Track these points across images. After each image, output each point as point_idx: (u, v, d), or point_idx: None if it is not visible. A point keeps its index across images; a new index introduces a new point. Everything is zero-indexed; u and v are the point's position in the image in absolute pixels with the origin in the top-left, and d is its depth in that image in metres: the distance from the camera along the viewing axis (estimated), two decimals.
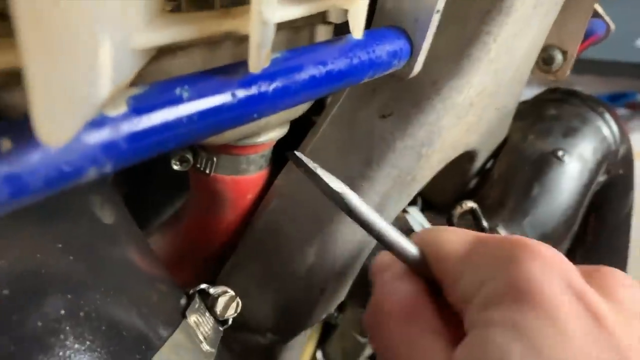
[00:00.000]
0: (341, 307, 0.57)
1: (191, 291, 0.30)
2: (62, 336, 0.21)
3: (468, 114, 0.37)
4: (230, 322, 0.31)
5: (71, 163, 0.16)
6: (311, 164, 0.27)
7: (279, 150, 0.39)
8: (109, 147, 0.17)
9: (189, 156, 0.35)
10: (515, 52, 0.38)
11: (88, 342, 0.22)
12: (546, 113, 0.54)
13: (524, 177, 0.50)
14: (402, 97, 0.34)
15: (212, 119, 0.20)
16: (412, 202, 0.54)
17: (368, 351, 0.77)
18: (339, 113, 0.36)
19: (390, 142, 0.34)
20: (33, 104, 0.13)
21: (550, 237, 0.50)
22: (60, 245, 0.23)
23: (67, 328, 0.22)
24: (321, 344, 0.75)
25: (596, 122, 0.54)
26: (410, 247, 0.28)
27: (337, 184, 0.27)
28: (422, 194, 0.54)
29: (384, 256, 0.31)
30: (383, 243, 0.27)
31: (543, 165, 0.50)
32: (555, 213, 0.50)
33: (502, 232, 0.48)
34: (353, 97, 0.35)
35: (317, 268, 0.38)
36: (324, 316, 0.42)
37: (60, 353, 0.21)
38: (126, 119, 0.17)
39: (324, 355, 0.76)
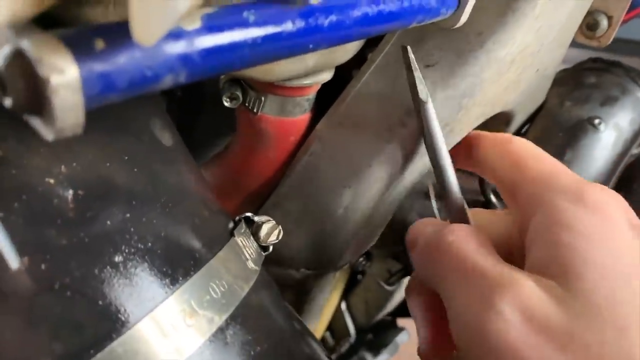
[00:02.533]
0: (368, 256, 0.59)
1: (237, 218, 0.33)
2: (127, 236, 0.24)
3: (509, 71, 0.38)
4: (270, 249, 0.33)
5: (152, 68, 0.18)
6: (414, 64, 0.32)
7: (320, 97, 0.41)
8: (184, 58, 0.19)
9: (239, 94, 0.37)
10: (560, 12, 0.38)
11: (149, 244, 0.24)
12: (586, 81, 0.54)
13: (558, 142, 0.51)
14: (446, 47, 0.35)
15: (273, 44, 0.22)
16: None
17: (391, 305, 0.79)
18: (383, 62, 0.37)
19: (432, 91, 0.35)
20: (132, 6, 0.15)
21: None
22: (126, 157, 0.26)
23: (132, 229, 0.24)
24: (345, 295, 0.78)
25: (637, 94, 0.54)
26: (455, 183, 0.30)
27: (424, 92, 0.29)
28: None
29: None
30: (435, 168, 0.30)
31: (578, 131, 0.51)
32: (586, 179, 0.51)
33: None
34: (399, 47, 0.36)
35: (351, 210, 0.40)
36: (354, 257, 0.44)
37: (126, 250, 0.23)
38: (199, 34, 0.19)
39: (348, 306, 0.79)
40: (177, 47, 0.18)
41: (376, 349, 0.77)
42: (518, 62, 0.38)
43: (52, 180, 0.23)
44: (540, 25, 0.36)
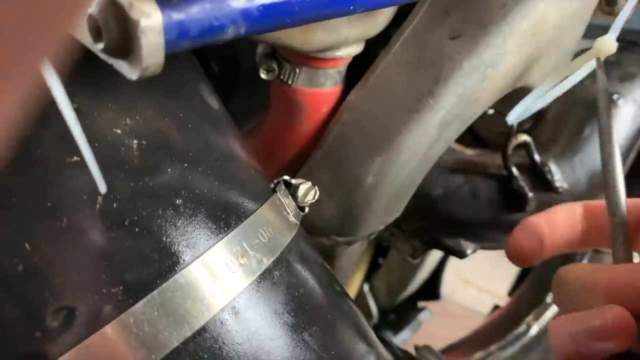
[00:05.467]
0: (393, 229, 0.61)
1: (276, 180, 0.35)
2: (185, 183, 0.26)
3: (530, 44, 0.40)
4: (306, 210, 0.36)
5: (219, 19, 0.20)
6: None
7: (350, 73, 0.43)
8: (244, 12, 0.21)
9: (275, 66, 0.39)
10: None
11: (205, 192, 0.27)
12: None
13: (577, 117, 0.53)
14: (471, 19, 0.37)
15: (319, 3, 0.24)
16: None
17: (412, 287, 0.81)
18: (412, 34, 0.39)
19: (457, 61, 0.37)
20: None
21: (598, 176, 0.52)
22: (181, 115, 0.28)
23: (189, 177, 0.27)
24: (368, 278, 0.80)
25: None
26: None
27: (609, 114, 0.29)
28: (475, 130, 0.57)
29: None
30: (605, 171, 0.27)
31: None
32: None
33: (553, 167, 0.51)
34: (426, 19, 0.38)
35: (381, 178, 0.42)
36: (382, 226, 0.46)
37: (185, 195, 0.26)
38: None
39: (370, 288, 0.81)
40: (240, 2, 0.21)
41: (398, 328, 0.79)
42: (539, 34, 0.40)
43: (119, 131, 0.25)
44: None
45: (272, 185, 0.34)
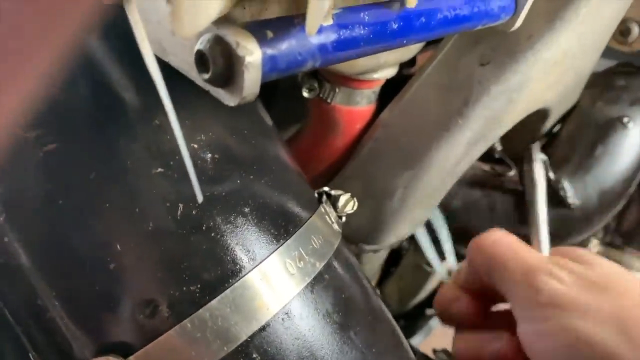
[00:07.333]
0: (412, 238, 0.64)
1: (318, 191, 0.38)
2: (252, 193, 0.29)
3: (552, 71, 0.44)
4: (344, 219, 0.39)
5: (302, 54, 0.24)
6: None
7: (383, 90, 0.46)
8: (321, 47, 0.24)
9: (316, 85, 0.42)
10: (600, 20, 0.43)
11: (268, 201, 0.30)
12: (616, 83, 0.59)
13: (590, 138, 0.56)
14: (500, 47, 0.40)
15: (379, 39, 0.27)
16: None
17: (423, 294, 0.84)
18: (444, 59, 0.42)
19: (486, 86, 0.41)
20: (310, 11, 0.21)
21: (608, 193, 0.56)
22: (245, 131, 0.31)
23: (255, 188, 0.30)
24: (379, 284, 0.83)
25: None
26: None
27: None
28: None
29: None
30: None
31: (608, 129, 0.56)
32: (615, 172, 0.56)
33: (566, 184, 0.54)
34: (458, 46, 0.42)
35: (409, 192, 0.45)
36: (407, 235, 0.49)
37: (252, 204, 0.29)
38: (332, 29, 0.25)
39: (382, 294, 0.84)
40: (318, 39, 0.24)
41: (410, 334, 0.82)
42: (560, 63, 0.43)
43: (195, 145, 0.28)
44: (582, 31, 0.42)
45: (315, 195, 0.37)
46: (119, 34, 0.27)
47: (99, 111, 0.27)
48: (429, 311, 0.87)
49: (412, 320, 0.84)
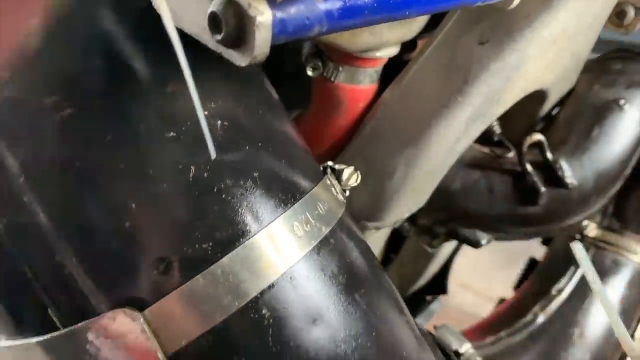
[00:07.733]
0: (413, 220, 0.65)
1: (323, 164, 0.39)
2: (261, 159, 0.31)
3: (549, 50, 0.45)
4: (347, 192, 0.40)
5: (309, 19, 0.25)
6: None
7: (385, 74, 0.47)
8: (328, 13, 0.25)
9: (320, 64, 0.44)
10: (596, 1, 0.44)
11: (276, 167, 0.31)
12: (613, 67, 0.60)
13: (587, 120, 0.57)
14: (498, 26, 0.42)
15: (383, 8, 0.28)
16: None
17: (423, 280, 0.86)
18: (444, 39, 0.43)
19: (485, 64, 0.42)
20: None
21: (604, 175, 0.57)
22: (252, 103, 0.32)
23: (264, 155, 0.31)
24: None
25: None
26: None
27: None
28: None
29: None
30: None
31: (605, 111, 0.57)
32: (611, 154, 0.57)
33: (564, 164, 0.56)
34: (457, 26, 0.43)
35: (410, 169, 0.46)
36: (408, 214, 0.50)
37: (261, 169, 0.30)
38: None
39: None
40: (325, 5, 0.25)
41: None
42: (558, 41, 0.45)
43: (206, 112, 0.29)
44: (578, 11, 0.43)
45: (320, 168, 0.38)
46: (134, 4, 0.29)
47: (113, 78, 0.28)
48: (428, 297, 0.88)
49: (413, 306, 0.85)
